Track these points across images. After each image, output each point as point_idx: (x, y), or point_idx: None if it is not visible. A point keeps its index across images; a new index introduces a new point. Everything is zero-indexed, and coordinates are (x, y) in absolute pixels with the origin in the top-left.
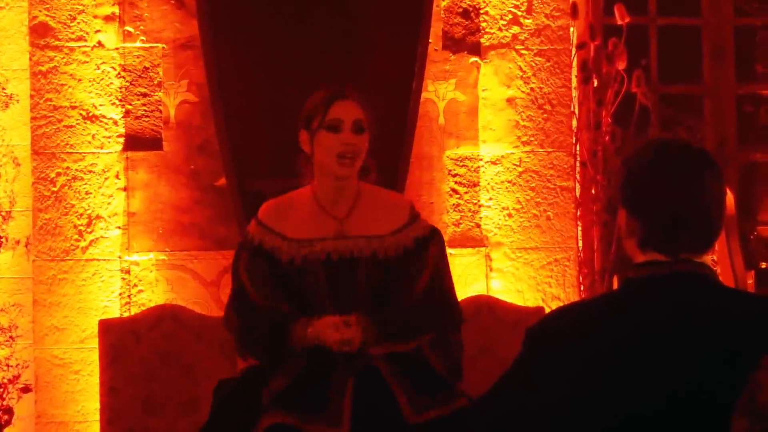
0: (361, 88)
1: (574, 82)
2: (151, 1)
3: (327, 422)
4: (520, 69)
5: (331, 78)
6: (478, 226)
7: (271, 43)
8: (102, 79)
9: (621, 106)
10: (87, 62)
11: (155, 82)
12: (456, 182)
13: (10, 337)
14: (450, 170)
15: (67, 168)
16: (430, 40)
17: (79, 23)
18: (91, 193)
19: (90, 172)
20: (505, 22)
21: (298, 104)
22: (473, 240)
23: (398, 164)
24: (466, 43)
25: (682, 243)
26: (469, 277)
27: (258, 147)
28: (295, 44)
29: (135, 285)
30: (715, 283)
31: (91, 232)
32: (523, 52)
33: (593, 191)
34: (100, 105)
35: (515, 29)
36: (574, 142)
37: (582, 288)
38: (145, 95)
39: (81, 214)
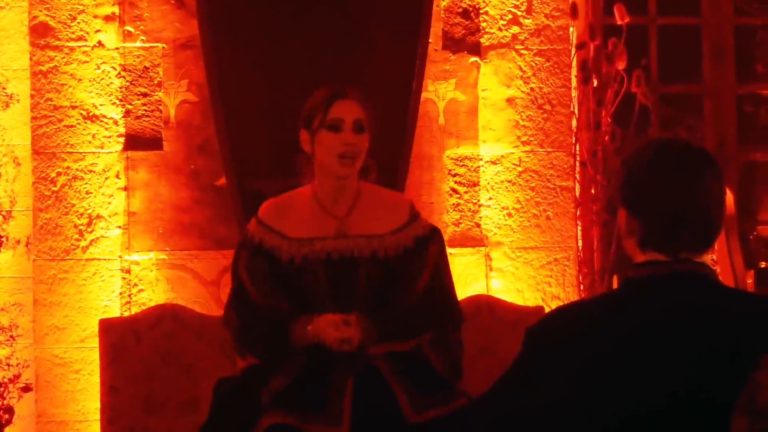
0: (362, 88)
1: (574, 82)
2: (151, 0)
3: (327, 422)
4: (520, 69)
5: (331, 78)
6: (478, 225)
7: (271, 43)
8: (102, 78)
9: (621, 106)
10: (87, 62)
11: (155, 82)
12: (456, 182)
13: (11, 336)
14: (450, 170)
15: (68, 168)
16: (430, 40)
17: (79, 23)
18: (91, 193)
19: (90, 171)
20: (504, 22)
21: (298, 104)
22: (473, 240)
23: (398, 164)
24: (466, 43)
25: (682, 242)
26: (469, 276)
27: (258, 147)
28: (295, 44)
29: (135, 284)
30: (714, 283)
31: (91, 232)
32: (523, 52)
33: (593, 191)
34: (101, 105)
35: (515, 29)
36: (573, 141)
37: (582, 288)
38: (145, 95)
39: (81, 214)
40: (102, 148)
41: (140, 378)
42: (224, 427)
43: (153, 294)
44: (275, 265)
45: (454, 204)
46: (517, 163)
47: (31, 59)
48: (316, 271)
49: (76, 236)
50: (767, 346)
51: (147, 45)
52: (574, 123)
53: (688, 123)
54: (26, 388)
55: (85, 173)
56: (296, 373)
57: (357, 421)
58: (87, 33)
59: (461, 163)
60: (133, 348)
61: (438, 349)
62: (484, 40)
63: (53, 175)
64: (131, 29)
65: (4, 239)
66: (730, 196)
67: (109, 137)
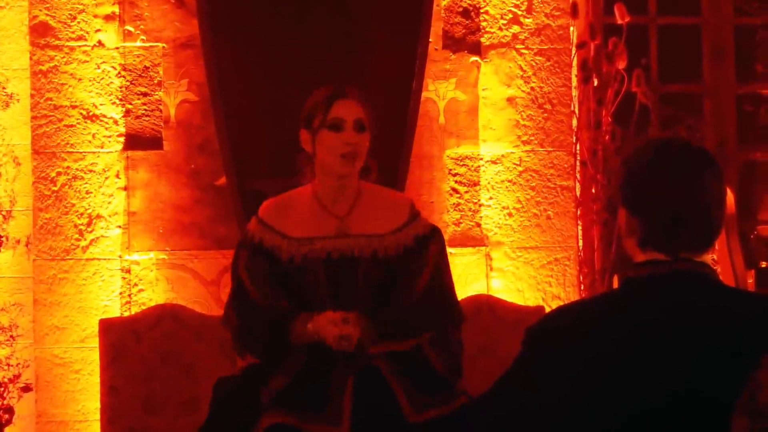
0: (362, 88)
1: (575, 81)
2: (151, 0)
3: (327, 422)
4: (521, 68)
5: (331, 78)
6: (479, 225)
7: (271, 43)
8: (102, 78)
9: (621, 105)
10: (87, 62)
11: (155, 82)
12: (456, 181)
13: (11, 336)
14: (450, 169)
15: (68, 167)
16: (430, 40)
17: (79, 23)
18: (91, 193)
19: (90, 171)
20: (505, 22)
21: (298, 104)
22: (473, 239)
23: (398, 164)
24: (467, 42)
25: (682, 242)
26: (470, 276)
27: (258, 146)
28: (295, 44)
29: (135, 284)
30: (715, 283)
31: (91, 232)
32: (524, 51)
33: (593, 190)
34: (101, 104)
35: (515, 29)
36: (574, 141)
37: (582, 287)
38: (145, 94)
39: (81, 214)
40: (102, 147)
41: (140, 378)
42: (224, 426)
43: (153, 294)
44: (275, 264)
45: (454, 204)
46: (518, 162)
47: (31, 59)
48: (316, 271)
49: (76, 236)
50: (767, 345)
51: (147, 44)
52: (574, 122)
53: (688, 122)
54: (26, 388)
55: (85, 173)
56: (296, 372)
57: (357, 420)
58: (87, 32)
59: (461, 163)
60: (133, 348)
61: (438, 348)
62: (485, 40)
63: (53, 174)
64: (131, 29)
65: (4, 239)
66: (730, 196)
67: (109, 137)
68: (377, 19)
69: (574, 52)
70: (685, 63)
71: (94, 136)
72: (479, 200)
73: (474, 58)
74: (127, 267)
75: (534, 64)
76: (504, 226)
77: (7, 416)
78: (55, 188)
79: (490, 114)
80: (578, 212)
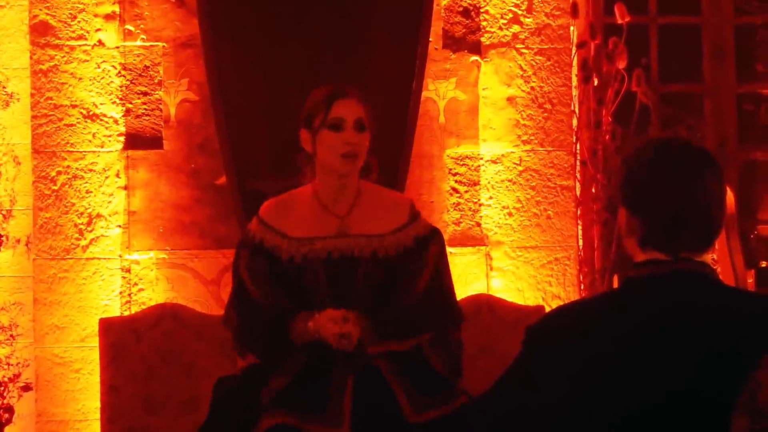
0: (361, 88)
1: (575, 81)
2: None
3: (327, 422)
4: (521, 68)
5: (331, 78)
6: (479, 225)
7: (271, 42)
8: (102, 77)
9: (621, 105)
10: (87, 61)
11: (155, 81)
12: (456, 181)
13: (11, 335)
14: (450, 169)
15: (68, 167)
16: (430, 39)
17: (79, 22)
18: (91, 192)
19: (90, 170)
20: (505, 21)
21: (298, 104)
22: (473, 239)
23: (398, 163)
24: (467, 42)
25: (682, 242)
26: (470, 276)
27: (258, 146)
28: (295, 44)
29: (135, 284)
30: (715, 282)
31: (91, 231)
32: (524, 51)
33: (593, 190)
34: (101, 104)
35: (515, 28)
36: (574, 141)
37: (582, 287)
38: (145, 94)
39: (81, 213)
40: (102, 147)
41: (140, 377)
42: (224, 426)
43: (153, 293)
44: (276, 264)
45: (454, 203)
46: (518, 162)
47: (31, 58)
48: (316, 271)
49: (76, 235)
50: (767, 345)
51: (147, 44)
52: (574, 122)
53: (688, 122)
54: (26, 388)
55: (85, 172)
56: (296, 372)
57: (357, 421)
58: (87, 32)
59: (462, 162)
60: (133, 347)
61: (438, 348)
62: (485, 39)
63: (53, 174)
64: (131, 28)
65: (4, 238)
66: (730, 196)
67: (110, 136)
68: (377, 19)
69: (574, 51)
70: (685, 63)
71: (94, 135)
72: (479, 200)
73: (474, 57)
74: (127, 266)
75: (534, 63)
76: (504, 226)
77: (7, 415)
78: (55, 187)
79: (490, 113)
80: (578, 212)
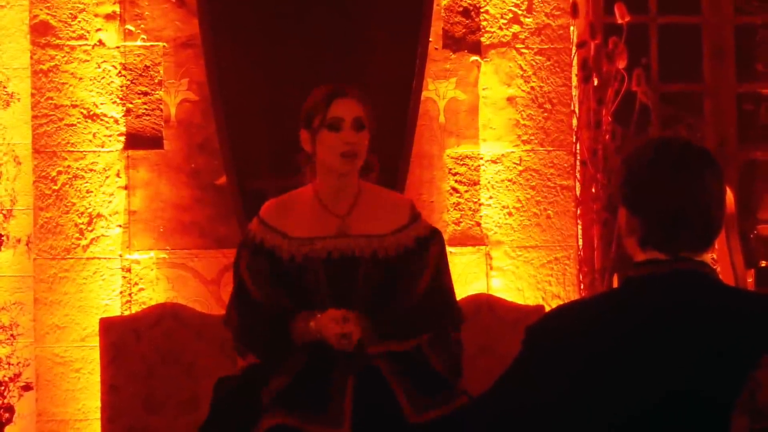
0: (361, 87)
1: (575, 80)
2: None
3: (328, 422)
4: (521, 68)
5: (331, 78)
6: (479, 224)
7: (271, 42)
8: (103, 77)
9: (621, 104)
10: (88, 61)
11: (156, 81)
12: (456, 181)
13: (11, 335)
14: (450, 169)
15: (68, 166)
16: (430, 39)
17: (79, 22)
18: (92, 192)
19: (91, 170)
20: (505, 21)
21: (298, 104)
22: (473, 239)
23: (398, 163)
24: (467, 41)
25: (682, 241)
26: (470, 275)
27: (258, 146)
28: (295, 44)
29: (136, 283)
30: (715, 282)
31: (91, 231)
32: (524, 50)
33: (593, 190)
34: (101, 103)
35: (515, 28)
36: (574, 140)
37: (582, 286)
38: (145, 94)
39: (82, 213)
40: (102, 146)
41: (140, 377)
42: (224, 426)
43: (153, 293)
44: (276, 264)
45: (454, 203)
46: (518, 162)
47: (31, 58)
48: (316, 270)
49: (77, 235)
50: (767, 345)
51: (147, 44)
52: (574, 122)
53: (688, 122)
54: (27, 387)
55: (85, 172)
56: (296, 372)
57: (357, 421)
58: (88, 32)
59: (462, 162)
60: (134, 347)
61: (437, 349)
62: (485, 39)
63: (54, 173)
64: (132, 28)
65: (4, 238)
66: (730, 195)
67: (110, 136)
68: (377, 19)
69: (574, 51)
70: (685, 62)
71: (94, 135)
72: (479, 199)
73: (474, 57)
74: (128, 266)
75: (534, 63)
76: (504, 226)
77: (7, 415)
78: (56, 187)
79: (490, 113)
80: (578, 211)
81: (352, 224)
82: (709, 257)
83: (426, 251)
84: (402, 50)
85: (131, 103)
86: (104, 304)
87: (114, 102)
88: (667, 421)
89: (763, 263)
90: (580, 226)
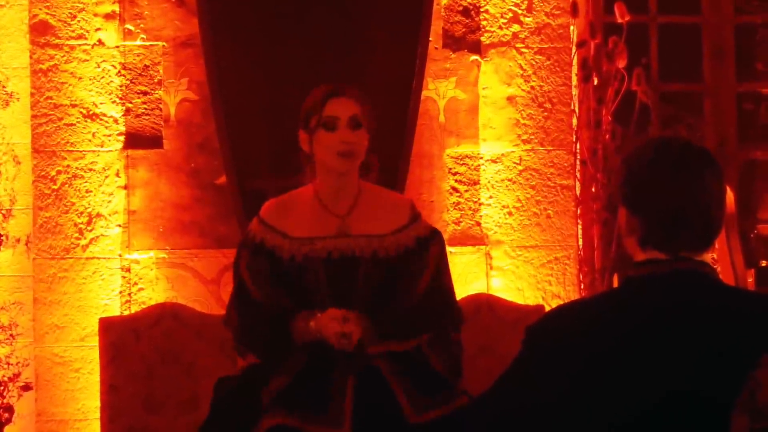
0: (360, 86)
1: (575, 80)
2: None
3: (328, 423)
4: (521, 67)
5: (331, 78)
6: (479, 224)
7: (271, 42)
8: (102, 77)
9: (621, 104)
10: (87, 60)
11: (155, 81)
12: (456, 180)
13: (11, 335)
14: (450, 168)
15: (68, 166)
16: (430, 39)
17: (79, 21)
18: (91, 192)
19: (90, 170)
20: (505, 21)
21: (298, 104)
22: (473, 238)
23: (398, 163)
24: (467, 41)
25: (682, 241)
26: (470, 275)
27: (258, 145)
28: (295, 44)
29: (135, 283)
30: (715, 282)
31: (91, 231)
32: (524, 50)
33: (593, 189)
34: (101, 103)
35: (515, 27)
36: (574, 140)
37: (582, 286)
38: (145, 93)
39: (81, 213)
40: (102, 146)
41: (140, 377)
42: (224, 426)
43: (153, 293)
44: (276, 264)
45: (454, 202)
46: (518, 161)
47: (31, 57)
48: (316, 270)
49: (76, 235)
50: (767, 344)
51: (147, 43)
52: (574, 121)
53: (688, 121)
54: (26, 387)
55: (85, 172)
56: (297, 372)
57: (357, 421)
58: (87, 31)
59: (462, 162)
60: (133, 347)
61: (437, 349)
62: (485, 39)
63: (53, 173)
64: (131, 27)
65: (4, 238)
66: (730, 195)
67: (109, 136)
68: (377, 19)
69: (574, 50)
70: (685, 62)
71: (94, 134)
72: (479, 199)
73: (474, 57)
74: (127, 266)
75: (534, 63)
76: (504, 225)
77: (7, 415)
78: (55, 187)
79: (490, 113)
80: (578, 211)
81: (352, 224)
82: (709, 257)
83: (426, 251)
84: (402, 50)
85: (131, 102)
86: (104, 303)
87: (113, 101)
88: (667, 421)
89: (763, 263)
90: (580, 226)
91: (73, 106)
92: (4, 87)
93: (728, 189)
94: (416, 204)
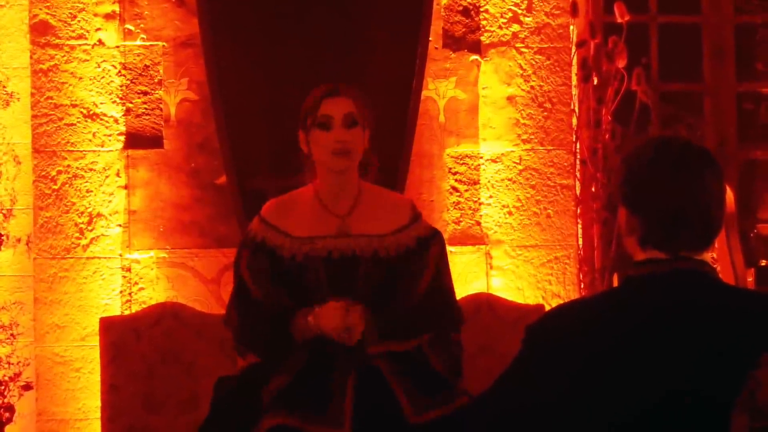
0: (358, 86)
1: (575, 80)
2: None
3: (329, 423)
4: (521, 67)
5: (331, 78)
6: (479, 224)
7: (271, 42)
8: (102, 77)
9: (621, 104)
10: (87, 60)
11: (156, 81)
12: (456, 180)
13: (11, 334)
14: (450, 168)
15: (68, 166)
16: (430, 39)
17: (79, 21)
18: (91, 191)
19: (91, 170)
20: (505, 20)
21: (298, 104)
22: (473, 238)
23: (398, 162)
24: (467, 41)
25: (682, 241)
26: (470, 275)
27: (258, 145)
28: (295, 44)
29: (136, 283)
30: (715, 281)
31: (91, 230)
32: (524, 50)
33: (593, 189)
34: (101, 103)
35: (515, 27)
36: (574, 140)
37: (582, 286)
38: (145, 93)
39: (82, 212)
40: (102, 146)
41: (140, 376)
42: (224, 426)
43: (153, 292)
44: (277, 263)
45: (454, 202)
46: (518, 161)
47: (31, 57)
48: (317, 270)
49: (77, 234)
50: (767, 344)
51: (147, 43)
52: (574, 121)
53: (688, 121)
54: (27, 387)
55: (85, 171)
56: (297, 371)
57: (358, 421)
58: (87, 31)
59: (462, 162)
60: (134, 346)
61: (437, 349)
62: (485, 39)
63: (54, 173)
64: (131, 27)
65: (4, 238)
66: (730, 194)
67: (110, 135)
68: (377, 19)
69: (574, 50)
70: (685, 62)
71: (94, 134)
72: (479, 199)
73: (474, 56)
74: (128, 265)
75: (534, 62)
76: (504, 225)
77: (7, 414)
78: (56, 187)
79: (490, 113)
80: (578, 211)
81: (353, 224)
82: (709, 256)
83: (426, 251)
84: (402, 50)
85: (131, 102)
86: (104, 303)
87: (114, 101)
88: (667, 420)
89: (763, 262)
90: (580, 226)
91: (74, 106)
92: (4, 87)
93: (728, 189)
94: (416, 204)
